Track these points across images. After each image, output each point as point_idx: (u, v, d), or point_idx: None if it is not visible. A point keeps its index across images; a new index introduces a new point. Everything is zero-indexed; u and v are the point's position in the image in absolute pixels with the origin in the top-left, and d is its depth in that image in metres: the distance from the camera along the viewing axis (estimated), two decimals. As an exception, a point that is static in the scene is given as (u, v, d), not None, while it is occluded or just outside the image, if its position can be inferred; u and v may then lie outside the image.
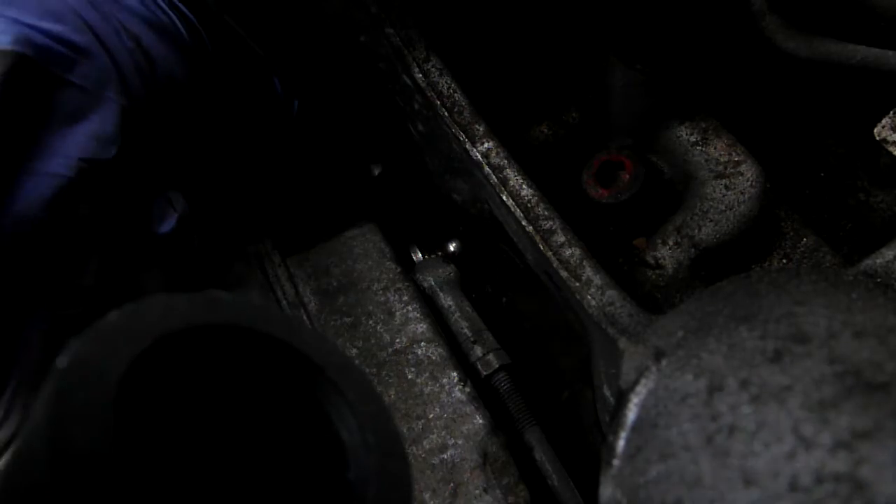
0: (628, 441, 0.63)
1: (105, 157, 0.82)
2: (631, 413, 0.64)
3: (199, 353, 0.37)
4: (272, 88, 1.07)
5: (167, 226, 0.91)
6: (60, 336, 0.82)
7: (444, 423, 0.90)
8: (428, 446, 0.88)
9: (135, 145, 0.86)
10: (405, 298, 1.00)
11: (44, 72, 0.76)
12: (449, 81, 1.04)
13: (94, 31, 0.81)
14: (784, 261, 1.02)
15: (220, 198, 1.10)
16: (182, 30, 0.91)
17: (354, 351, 0.97)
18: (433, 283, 1.04)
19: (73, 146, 0.80)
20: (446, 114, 1.02)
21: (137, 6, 0.87)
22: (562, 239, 0.90)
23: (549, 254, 0.90)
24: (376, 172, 1.23)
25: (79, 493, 0.27)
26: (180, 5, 0.92)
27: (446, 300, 1.03)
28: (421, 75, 1.05)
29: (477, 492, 0.84)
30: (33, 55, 0.74)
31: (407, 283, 1.02)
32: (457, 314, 1.01)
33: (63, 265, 0.82)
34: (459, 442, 0.88)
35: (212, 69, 0.96)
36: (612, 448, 0.64)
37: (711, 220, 0.98)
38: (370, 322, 0.99)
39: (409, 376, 0.94)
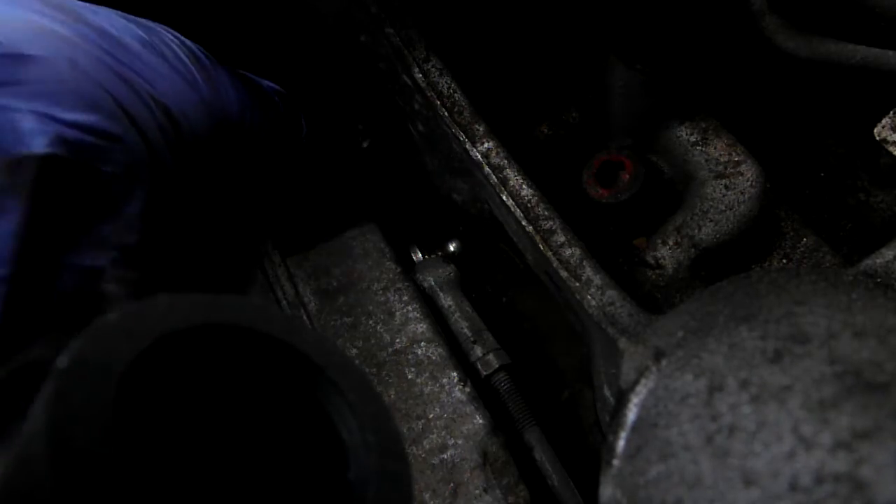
0: (628, 441, 0.63)
1: (131, 242, 0.80)
2: (631, 413, 0.64)
3: (199, 353, 0.37)
4: (279, 113, 1.07)
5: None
6: None
7: (444, 423, 0.90)
8: (428, 446, 0.88)
9: (158, 215, 0.85)
10: (405, 298, 1.00)
11: (77, 167, 0.73)
12: (449, 81, 1.04)
13: (127, 113, 0.78)
14: (784, 261, 1.02)
15: (223, 205, 1.09)
16: (199, 80, 0.89)
17: (354, 351, 0.97)
18: (433, 283, 1.04)
19: (106, 237, 0.78)
20: (446, 114, 1.02)
21: (161, 65, 0.85)
22: (562, 239, 0.90)
23: (549, 254, 0.90)
24: (365, 145, 1.22)
25: (79, 493, 0.27)
26: (196, 49, 0.91)
27: (446, 300, 1.03)
28: (421, 75, 1.05)
29: (477, 492, 0.84)
30: (68, 154, 0.72)
31: (407, 283, 1.02)
32: (457, 314, 1.01)
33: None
34: (459, 442, 0.88)
35: (229, 115, 0.95)
36: (612, 448, 0.64)
37: (711, 220, 0.98)
38: (370, 322, 0.99)
39: (409, 376, 0.94)
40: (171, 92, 0.85)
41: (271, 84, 1.06)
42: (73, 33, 0.78)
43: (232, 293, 0.40)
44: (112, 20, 0.84)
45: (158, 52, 0.85)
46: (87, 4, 0.85)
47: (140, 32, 0.85)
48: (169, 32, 0.90)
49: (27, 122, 0.71)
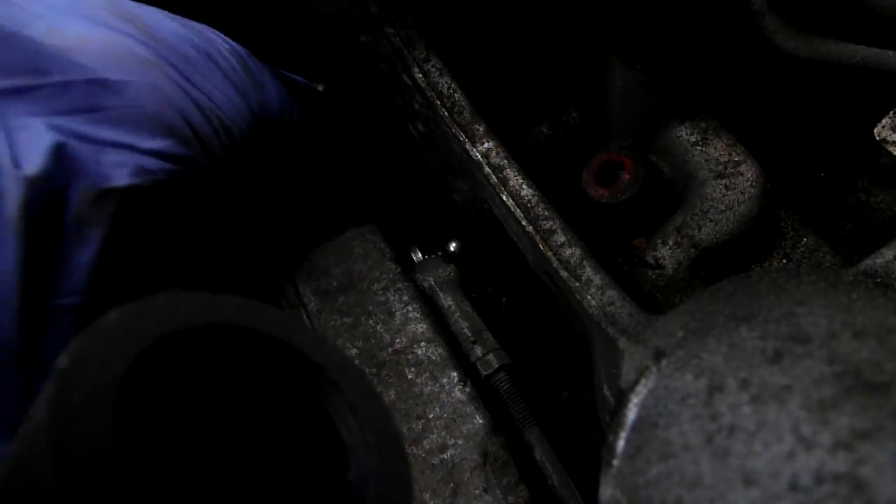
0: (628, 441, 0.63)
1: (177, 251, 0.83)
2: (631, 413, 0.64)
3: (199, 353, 0.37)
4: (315, 110, 1.07)
5: None
6: None
7: (444, 423, 0.90)
8: (428, 446, 0.88)
9: (202, 220, 0.87)
10: (405, 298, 1.00)
11: (154, 195, 0.75)
12: (449, 81, 1.04)
13: (196, 135, 0.80)
14: (784, 261, 1.02)
15: (256, 204, 1.10)
16: (248, 86, 0.90)
17: (354, 351, 0.97)
18: (433, 283, 1.04)
19: (166, 255, 0.80)
20: (446, 114, 1.02)
21: (218, 76, 0.85)
22: (562, 239, 0.90)
23: (549, 254, 0.90)
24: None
25: (80, 493, 0.27)
26: (242, 52, 0.91)
27: (446, 300, 1.03)
28: (421, 75, 1.05)
29: (477, 492, 0.84)
30: (146, 184, 0.74)
31: (407, 283, 1.02)
32: (457, 314, 1.01)
33: None
34: (459, 442, 0.88)
35: (271, 117, 0.96)
36: (612, 448, 0.64)
37: (711, 220, 0.98)
38: (370, 322, 0.99)
39: (409, 376, 0.94)
40: (228, 106, 0.86)
41: (305, 80, 1.06)
42: (149, 52, 0.79)
43: (232, 293, 0.40)
44: (171, 28, 0.84)
45: (213, 60, 0.86)
46: (144, 8, 0.85)
47: (195, 39, 0.86)
48: (216, 35, 0.90)
49: (110, 154, 0.72)
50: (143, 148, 0.74)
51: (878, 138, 0.86)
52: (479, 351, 0.98)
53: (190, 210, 0.84)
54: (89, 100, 0.72)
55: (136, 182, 0.72)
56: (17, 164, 0.66)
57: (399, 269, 1.03)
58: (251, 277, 1.07)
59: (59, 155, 0.68)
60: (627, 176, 1.05)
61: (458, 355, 0.97)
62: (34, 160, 0.67)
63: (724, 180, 1.00)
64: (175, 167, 0.77)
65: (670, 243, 0.99)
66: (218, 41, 0.89)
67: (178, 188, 0.79)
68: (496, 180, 0.96)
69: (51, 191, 0.67)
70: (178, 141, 0.77)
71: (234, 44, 0.92)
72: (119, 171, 0.72)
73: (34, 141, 0.68)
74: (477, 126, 1.00)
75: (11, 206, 0.64)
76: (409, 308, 0.99)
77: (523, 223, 0.93)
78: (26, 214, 0.65)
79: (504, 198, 0.95)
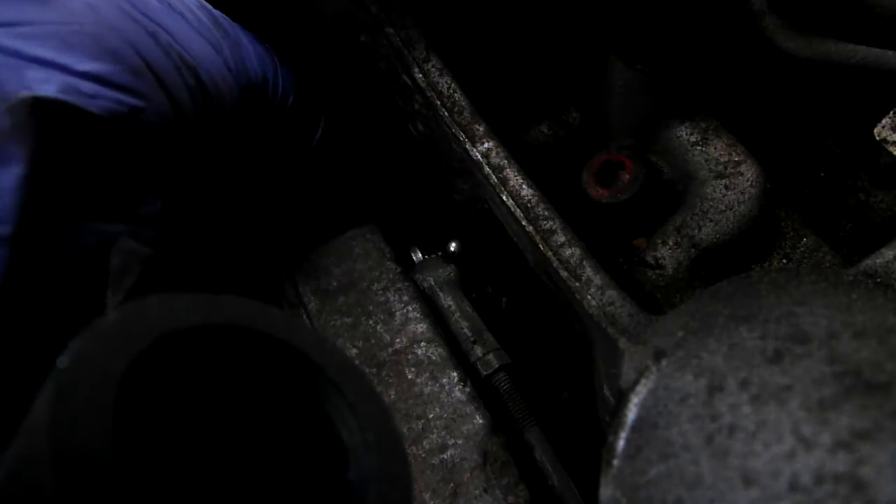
0: (628, 441, 0.63)
1: (149, 213, 0.74)
2: (631, 413, 0.64)
3: (199, 354, 0.37)
4: (301, 86, 1.03)
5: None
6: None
7: (444, 423, 0.90)
8: (428, 446, 0.88)
9: (180, 188, 0.79)
10: (405, 298, 1.00)
11: (92, 120, 0.66)
12: (449, 81, 1.04)
13: (152, 70, 0.71)
14: (784, 261, 1.02)
15: (247, 187, 1.07)
16: (223, 44, 0.83)
17: (354, 351, 0.97)
18: (433, 283, 1.04)
19: (123, 202, 0.72)
20: (446, 114, 1.02)
21: (184, 25, 0.78)
22: (562, 239, 0.90)
23: (549, 254, 0.90)
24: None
25: (80, 493, 0.27)
26: (217, 14, 0.86)
27: (446, 300, 1.03)
28: (421, 75, 1.05)
29: (477, 492, 0.84)
30: (82, 105, 0.65)
31: (407, 283, 1.02)
32: (457, 314, 1.01)
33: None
34: (459, 442, 0.88)
35: (253, 83, 0.90)
36: (612, 448, 0.64)
37: (711, 220, 0.98)
38: (370, 322, 0.99)
39: (409, 376, 0.94)
40: (198, 53, 0.77)
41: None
42: None
43: (232, 293, 0.40)
44: None
45: (177, 11, 0.79)
46: None
47: None
48: None
49: (35, 71, 0.63)
50: (77, 70, 0.65)
51: (878, 138, 0.86)
52: (479, 351, 0.98)
53: (166, 164, 0.75)
54: (9, 12, 0.64)
55: (66, 98, 0.63)
56: None
57: (399, 269, 1.03)
58: (251, 277, 1.07)
59: None
60: (627, 176, 1.05)
61: (458, 355, 0.97)
62: None
63: (724, 180, 1.00)
64: (123, 97, 0.68)
65: (670, 243, 1.00)
66: None
67: (140, 127, 0.70)
68: (496, 180, 0.96)
69: None
70: (124, 69, 0.68)
71: (207, 5, 0.85)
72: (44, 85, 0.63)
73: None
74: (477, 126, 1.00)
75: None
76: (409, 308, 0.99)
77: (523, 223, 0.93)
78: None
79: (504, 198, 0.95)
